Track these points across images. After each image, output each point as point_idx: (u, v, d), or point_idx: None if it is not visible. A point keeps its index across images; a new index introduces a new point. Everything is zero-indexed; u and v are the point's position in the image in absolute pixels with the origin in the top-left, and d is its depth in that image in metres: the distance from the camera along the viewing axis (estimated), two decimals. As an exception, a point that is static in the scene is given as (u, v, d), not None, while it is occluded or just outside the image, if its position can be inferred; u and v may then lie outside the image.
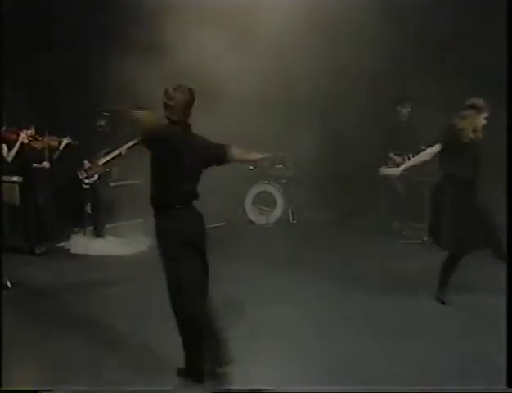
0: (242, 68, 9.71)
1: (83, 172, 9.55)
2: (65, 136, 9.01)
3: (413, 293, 7.33)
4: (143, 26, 9.48)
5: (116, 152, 9.15)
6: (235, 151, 5.33)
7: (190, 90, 5.04)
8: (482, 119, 6.82)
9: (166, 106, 4.99)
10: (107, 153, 9.41)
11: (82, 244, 9.48)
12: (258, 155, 5.46)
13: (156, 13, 9.53)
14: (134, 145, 9.18)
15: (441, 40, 10.23)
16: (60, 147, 8.97)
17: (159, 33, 9.42)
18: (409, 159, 9.91)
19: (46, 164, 9.00)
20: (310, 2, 9.72)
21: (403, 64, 10.55)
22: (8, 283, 7.25)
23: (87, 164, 9.55)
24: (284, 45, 9.92)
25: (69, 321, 6.42)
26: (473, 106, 6.81)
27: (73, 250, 9.38)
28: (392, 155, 10.26)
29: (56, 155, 9.01)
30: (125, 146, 9.13)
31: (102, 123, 9.72)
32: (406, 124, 10.32)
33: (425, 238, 9.54)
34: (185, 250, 4.86)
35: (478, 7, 9.87)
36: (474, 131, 6.77)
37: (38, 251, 9.00)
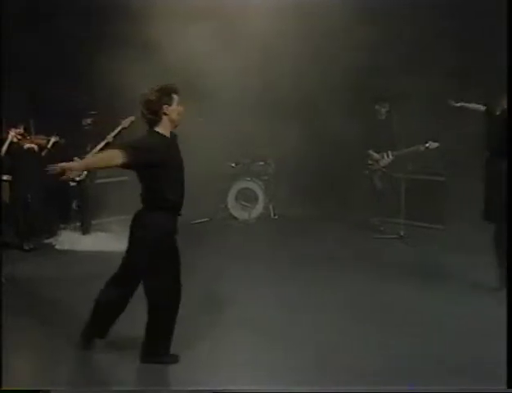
0: (227, 67, 10.03)
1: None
2: (53, 134, 9.13)
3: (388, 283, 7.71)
4: (132, 25, 9.70)
5: (103, 143, 9.30)
6: None
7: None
8: None
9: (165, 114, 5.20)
10: (93, 146, 9.53)
11: (68, 240, 9.63)
12: None
13: (144, 12, 9.79)
14: (120, 131, 9.45)
15: (424, 39, 10.58)
16: (48, 146, 9.03)
17: (147, 32, 9.69)
18: (388, 156, 10.32)
19: None
20: (295, 3, 10.10)
21: (386, 63, 10.77)
22: (3, 279, 7.39)
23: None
24: (269, 45, 10.24)
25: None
26: None
27: (59, 246, 9.51)
28: (371, 151, 10.56)
29: (44, 154, 9.08)
30: (112, 134, 9.34)
31: (89, 121, 9.92)
32: (385, 122, 10.56)
33: (402, 233, 9.92)
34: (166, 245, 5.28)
35: (463, 7, 10.19)
36: None
37: (26, 247, 9.14)
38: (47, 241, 9.59)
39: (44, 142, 9.03)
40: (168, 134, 5.25)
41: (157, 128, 5.20)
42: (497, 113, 7.31)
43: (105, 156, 5.25)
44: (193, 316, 6.21)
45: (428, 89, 10.20)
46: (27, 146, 8.81)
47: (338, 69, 10.44)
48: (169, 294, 5.35)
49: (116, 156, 4.95)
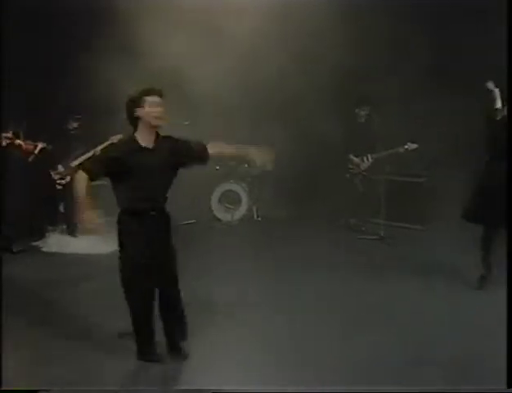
0: (212, 70, 10.18)
1: (56, 173, 9.90)
2: (40, 139, 9.30)
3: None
4: (118, 28, 9.88)
5: (90, 154, 9.49)
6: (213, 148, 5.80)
7: None
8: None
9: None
10: (80, 155, 9.77)
11: (56, 242, 9.82)
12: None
13: (130, 15, 9.94)
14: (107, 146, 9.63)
15: (403, 41, 10.62)
16: (36, 151, 9.24)
17: (133, 35, 9.84)
18: (367, 160, 10.58)
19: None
20: (278, 5, 10.28)
21: (368, 65, 11.03)
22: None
23: (60, 167, 9.91)
24: (254, 48, 10.40)
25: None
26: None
27: (45, 249, 9.69)
28: (351, 156, 10.82)
29: (31, 159, 9.28)
30: (99, 148, 9.52)
31: (75, 125, 10.10)
32: (365, 125, 10.80)
33: (382, 234, 10.17)
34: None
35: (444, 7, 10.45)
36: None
37: (15, 250, 9.31)
38: (34, 243, 9.75)
39: (31, 147, 9.21)
40: (145, 142, 5.32)
41: (136, 134, 5.33)
42: (498, 118, 7.42)
43: (78, 182, 5.33)
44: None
45: (407, 90, 10.41)
46: (15, 150, 8.99)
47: (322, 70, 10.63)
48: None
49: (83, 178, 5.22)
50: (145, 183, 5.30)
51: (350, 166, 10.83)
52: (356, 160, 10.75)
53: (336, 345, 6.01)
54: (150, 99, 5.22)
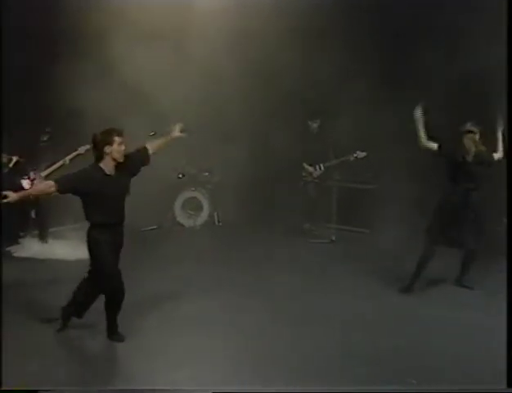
0: (176, 85, 10.77)
1: (28, 182, 10.38)
2: (13, 153, 9.78)
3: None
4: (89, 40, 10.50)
5: (59, 163, 10.09)
6: (152, 146, 6.88)
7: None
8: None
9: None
10: (50, 165, 10.31)
11: (27, 248, 10.21)
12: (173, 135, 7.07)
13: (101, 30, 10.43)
14: (76, 156, 10.23)
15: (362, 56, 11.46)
16: (10, 165, 9.74)
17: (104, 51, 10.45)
18: (320, 168, 11.32)
19: None
20: (242, 19, 10.79)
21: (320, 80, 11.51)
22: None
23: (32, 174, 10.40)
24: (216, 63, 11.12)
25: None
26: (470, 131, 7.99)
27: (17, 254, 10.08)
28: (305, 165, 11.57)
29: (5, 171, 9.73)
30: (68, 157, 10.15)
31: (45, 138, 10.59)
32: (317, 136, 11.56)
33: (333, 237, 10.92)
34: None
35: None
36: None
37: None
38: (7, 249, 10.08)
39: (6, 160, 9.71)
40: (109, 170, 6.33)
41: (100, 164, 6.34)
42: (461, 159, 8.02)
43: (42, 187, 6.64)
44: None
45: (360, 100, 11.07)
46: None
47: (279, 86, 11.45)
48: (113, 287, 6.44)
49: (50, 186, 6.29)
50: (110, 203, 6.37)
51: (304, 174, 11.57)
52: (309, 168, 11.52)
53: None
54: (117, 139, 6.31)
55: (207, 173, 12.70)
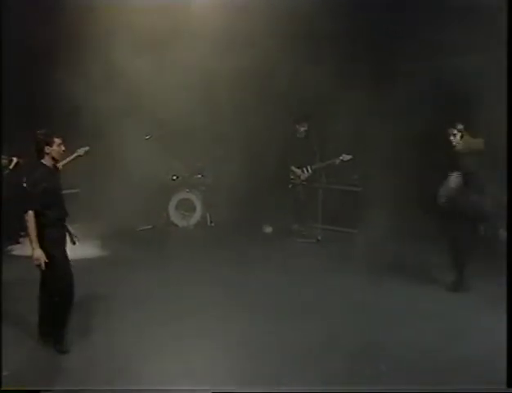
0: (170, 91, 11.25)
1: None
2: (14, 154, 10.06)
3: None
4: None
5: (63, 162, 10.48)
6: None
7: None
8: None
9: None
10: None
11: (26, 247, 10.61)
12: None
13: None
14: (70, 161, 10.62)
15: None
16: (11, 166, 10.01)
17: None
18: (307, 171, 11.73)
19: None
20: (232, 21, 11.17)
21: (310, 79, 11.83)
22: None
23: None
24: (206, 74, 11.51)
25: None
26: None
27: (15, 252, 10.57)
28: (293, 168, 12.00)
29: (6, 172, 10.06)
30: (61, 163, 10.50)
31: None
32: (304, 140, 11.95)
33: (319, 237, 11.35)
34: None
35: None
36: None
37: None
38: (9, 247, 10.61)
39: (6, 162, 9.98)
40: (51, 168, 6.73)
41: (43, 161, 6.70)
42: None
43: (28, 222, 6.57)
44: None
45: (346, 104, 11.43)
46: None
47: (268, 94, 11.91)
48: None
49: (30, 217, 6.49)
50: (60, 198, 6.88)
51: (292, 177, 11.99)
52: (297, 171, 11.95)
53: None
54: (57, 140, 6.75)
55: (200, 176, 13.06)
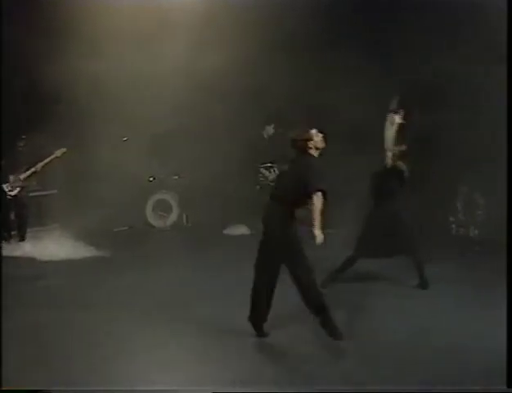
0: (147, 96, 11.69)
1: (7, 185, 11.12)
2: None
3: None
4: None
5: (33, 169, 10.95)
6: None
7: None
8: None
9: None
10: (27, 169, 11.12)
11: (6, 247, 10.78)
12: None
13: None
14: (48, 162, 11.01)
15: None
16: None
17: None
18: (275, 171, 12.06)
19: None
20: (213, 21, 11.52)
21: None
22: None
23: (11, 178, 11.16)
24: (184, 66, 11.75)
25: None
26: None
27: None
28: (262, 169, 12.49)
29: None
30: (40, 164, 10.93)
31: (21, 144, 11.37)
32: (271, 141, 12.39)
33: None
34: None
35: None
36: None
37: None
38: None
39: None
40: None
41: None
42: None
43: None
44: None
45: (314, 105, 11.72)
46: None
47: (239, 96, 12.11)
48: None
49: None
50: None
51: (261, 178, 12.40)
52: (265, 172, 12.40)
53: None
54: None
55: (176, 177, 13.40)
